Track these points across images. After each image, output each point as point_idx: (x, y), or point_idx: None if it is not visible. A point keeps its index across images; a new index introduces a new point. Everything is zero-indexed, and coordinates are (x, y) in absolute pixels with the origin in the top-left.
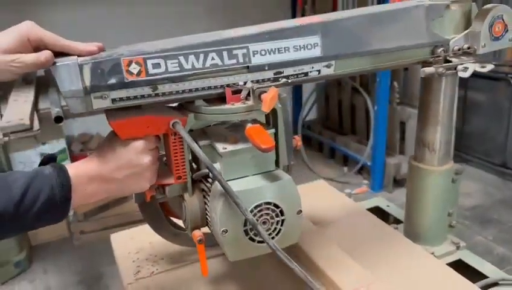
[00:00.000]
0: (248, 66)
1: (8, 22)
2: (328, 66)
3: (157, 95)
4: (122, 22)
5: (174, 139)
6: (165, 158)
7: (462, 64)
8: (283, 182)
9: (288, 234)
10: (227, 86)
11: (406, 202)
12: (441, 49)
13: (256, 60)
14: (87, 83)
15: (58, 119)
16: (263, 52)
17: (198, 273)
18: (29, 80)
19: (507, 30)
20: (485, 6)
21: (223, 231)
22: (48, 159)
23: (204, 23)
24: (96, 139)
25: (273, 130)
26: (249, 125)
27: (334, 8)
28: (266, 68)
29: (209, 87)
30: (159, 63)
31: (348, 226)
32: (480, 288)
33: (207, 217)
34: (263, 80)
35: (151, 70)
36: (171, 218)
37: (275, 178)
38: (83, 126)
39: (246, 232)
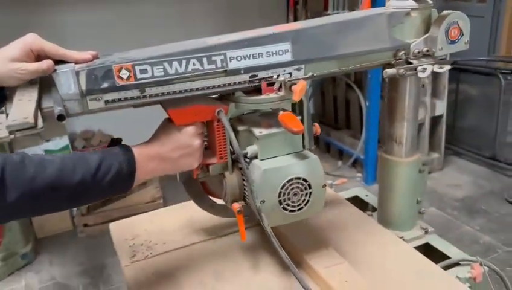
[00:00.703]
0: (226, 70)
1: (18, 24)
2: (298, 70)
3: (145, 96)
4: (123, 22)
5: (218, 125)
6: (205, 143)
7: (421, 65)
8: (311, 160)
9: (314, 204)
10: (264, 79)
11: (379, 191)
12: (402, 52)
13: (233, 65)
14: (83, 87)
15: (61, 117)
16: (239, 58)
17: (187, 258)
18: (33, 80)
19: (462, 34)
20: (442, 13)
21: (261, 201)
22: (115, 142)
23: (205, 22)
24: (98, 135)
25: (299, 117)
26: (281, 112)
27: (326, 8)
28: (242, 72)
29: (191, 90)
30: (146, 69)
31: (326, 214)
32: (443, 268)
33: (244, 191)
34: (240, 82)
35: (139, 75)
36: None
37: (303, 157)
38: (85, 123)
39: (280, 203)
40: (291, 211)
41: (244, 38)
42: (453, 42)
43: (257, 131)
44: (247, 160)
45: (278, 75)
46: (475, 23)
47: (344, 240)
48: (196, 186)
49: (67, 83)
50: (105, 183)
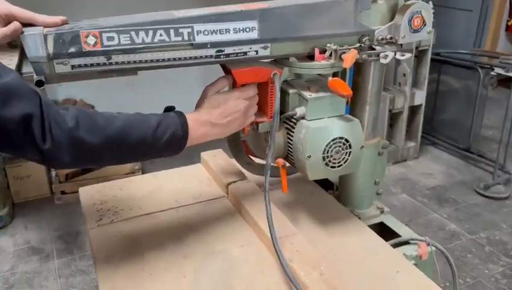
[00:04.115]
0: (192, 43)
1: None
2: (264, 48)
3: (111, 64)
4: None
5: (272, 86)
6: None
7: (384, 52)
8: (353, 122)
9: (351, 163)
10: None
11: None
12: (366, 38)
13: (199, 39)
14: (50, 50)
15: (40, 83)
16: (206, 32)
17: (150, 224)
18: (13, 44)
19: (425, 24)
20: (406, 2)
21: (307, 156)
22: (169, 109)
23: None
24: (80, 103)
25: None
26: (330, 78)
27: None
28: (208, 46)
29: (158, 60)
30: (112, 36)
31: (289, 191)
32: (392, 245)
33: (289, 148)
34: (206, 57)
35: (106, 42)
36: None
37: (346, 119)
38: (67, 91)
39: (323, 159)
40: (331, 167)
41: (212, 13)
42: (415, 31)
43: (307, 94)
44: (293, 120)
45: (244, 52)
46: (463, 16)
47: (301, 214)
48: (238, 146)
49: (35, 45)
50: (163, 142)
